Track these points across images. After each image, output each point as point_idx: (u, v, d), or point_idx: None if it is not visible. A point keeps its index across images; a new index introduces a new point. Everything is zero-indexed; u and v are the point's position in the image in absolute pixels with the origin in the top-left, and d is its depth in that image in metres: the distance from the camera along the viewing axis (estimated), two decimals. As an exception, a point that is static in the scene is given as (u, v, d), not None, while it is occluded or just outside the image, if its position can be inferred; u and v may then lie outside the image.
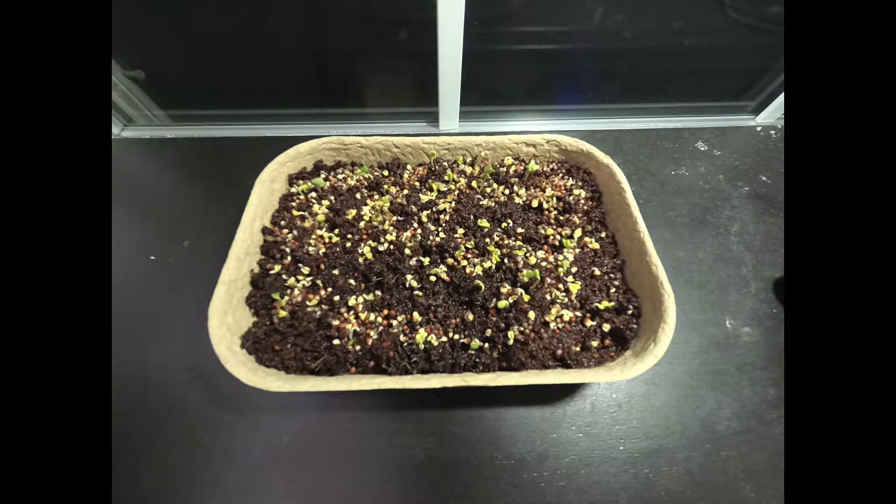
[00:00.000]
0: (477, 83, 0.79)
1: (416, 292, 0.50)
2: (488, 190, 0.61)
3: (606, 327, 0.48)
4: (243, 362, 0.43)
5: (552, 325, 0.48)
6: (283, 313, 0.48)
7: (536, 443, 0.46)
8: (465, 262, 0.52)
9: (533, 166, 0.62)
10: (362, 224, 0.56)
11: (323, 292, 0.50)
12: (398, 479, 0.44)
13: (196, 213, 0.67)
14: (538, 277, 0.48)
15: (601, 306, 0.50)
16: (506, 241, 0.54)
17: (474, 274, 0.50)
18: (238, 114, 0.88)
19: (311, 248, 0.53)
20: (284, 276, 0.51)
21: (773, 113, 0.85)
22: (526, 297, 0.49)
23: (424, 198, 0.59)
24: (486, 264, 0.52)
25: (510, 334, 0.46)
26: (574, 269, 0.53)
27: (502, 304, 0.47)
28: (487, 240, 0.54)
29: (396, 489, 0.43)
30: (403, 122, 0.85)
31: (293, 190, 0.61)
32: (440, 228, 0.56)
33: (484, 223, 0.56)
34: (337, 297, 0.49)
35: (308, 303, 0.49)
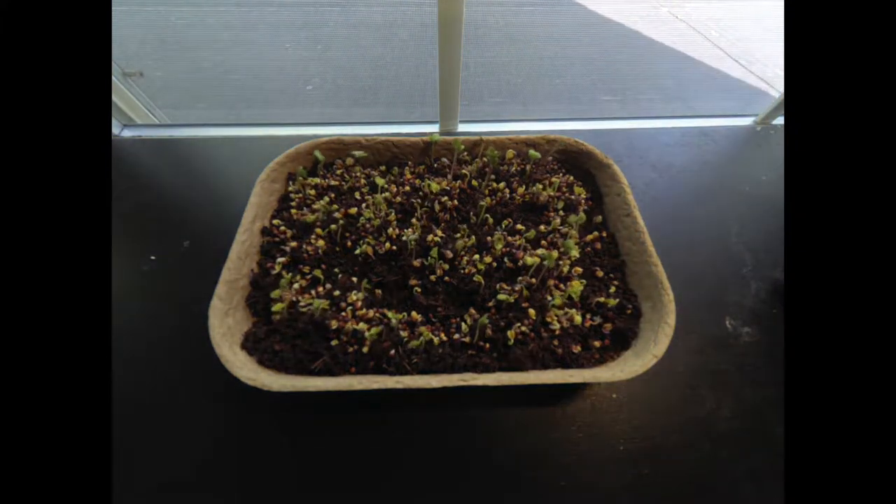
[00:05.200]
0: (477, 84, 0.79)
1: (416, 290, 0.50)
2: (488, 189, 0.61)
3: (607, 327, 0.48)
4: (244, 362, 0.43)
5: (552, 324, 0.48)
6: (282, 313, 0.48)
7: (536, 443, 0.46)
8: (465, 261, 0.52)
9: (534, 155, 0.61)
10: (362, 223, 0.56)
11: (323, 291, 0.50)
12: (397, 479, 0.44)
13: (196, 213, 0.66)
14: (551, 264, 0.48)
15: (601, 305, 0.50)
16: (506, 240, 0.54)
17: (474, 273, 0.50)
18: (238, 114, 0.89)
19: (310, 248, 0.53)
20: (284, 276, 0.51)
21: (773, 113, 0.85)
22: (525, 293, 0.49)
23: (424, 197, 0.59)
24: (487, 260, 0.52)
25: (510, 334, 0.46)
26: (574, 269, 0.53)
27: (502, 297, 0.48)
28: (488, 238, 0.54)
29: (395, 489, 0.43)
30: (403, 123, 0.85)
31: (292, 189, 0.61)
32: (440, 227, 0.56)
33: (484, 218, 0.56)
34: (337, 296, 0.49)
35: (307, 302, 0.49)
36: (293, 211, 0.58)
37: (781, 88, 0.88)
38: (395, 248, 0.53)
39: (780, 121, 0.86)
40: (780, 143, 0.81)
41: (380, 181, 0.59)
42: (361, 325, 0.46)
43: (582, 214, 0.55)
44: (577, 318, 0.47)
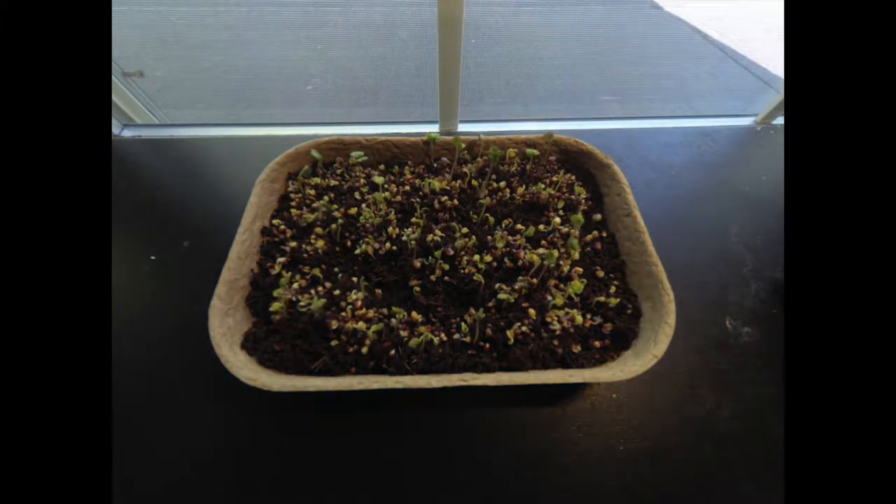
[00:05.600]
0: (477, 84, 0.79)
1: (416, 290, 0.50)
2: (488, 189, 0.61)
3: (607, 327, 0.48)
4: (244, 363, 0.43)
5: (552, 324, 0.48)
6: (282, 313, 0.48)
7: (536, 443, 0.46)
8: (465, 261, 0.52)
9: (532, 152, 0.61)
10: (362, 222, 0.56)
11: (322, 291, 0.50)
12: (397, 479, 0.44)
13: (196, 213, 0.66)
14: (552, 263, 0.48)
15: (602, 305, 0.50)
16: (506, 240, 0.54)
17: (474, 273, 0.50)
18: (238, 114, 0.88)
19: (310, 248, 0.53)
20: (284, 276, 0.51)
21: (774, 113, 0.85)
22: (525, 292, 0.49)
23: (424, 196, 0.59)
24: (487, 259, 0.52)
25: (510, 334, 0.46)
26: (575, 269, 0.53)
27: (503, 296, 0.48)
28: (489, 238, 0.54)
29: (395, 489, 0.43)
30: (403, 123, 0.86)
31: (292, 189, 0.61)
32: (440, 227, 0.56)
33: (485, 217, 0.56)
34: (337, 296, 0.49)
35: (308, 303, 0.49)
36: (293, 211, 0.58)
37: (781, 88, 0.88)
38: (395, 248, 0.53)
39: (780, 121, 0.86)
40: (780, 143, 0.81)
41: (379, 180, 0.59)
42: (361, 325, 0.46)
43: (579, 215, 0.55)
44: (579, 319, 0.47)
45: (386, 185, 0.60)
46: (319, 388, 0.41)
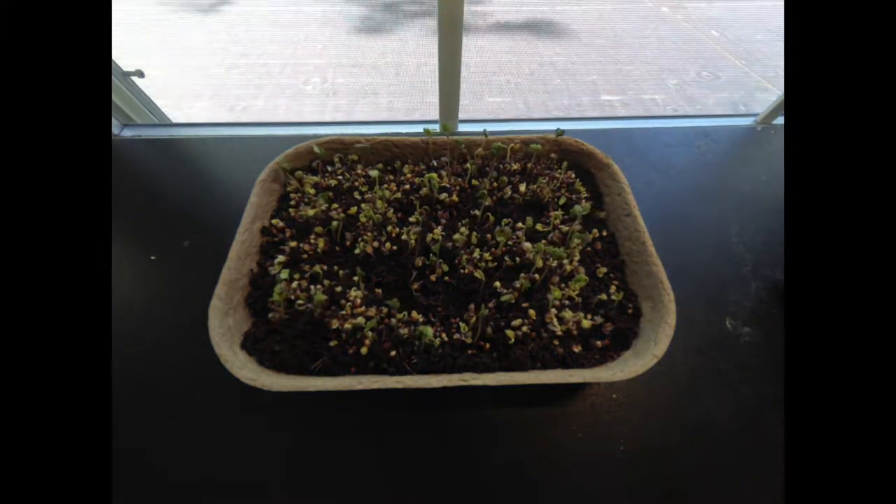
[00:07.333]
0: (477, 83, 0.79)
1: (416, 291, 0.50)
2: (488, 188, 0.61)
3: (607, 327, 0.48)
4: (243, 363, 0.43)
5: (552, 324, 0.48)
6: (282, 313, 0.48)
7: (536, 443, 0.46)
8: (465, 260, 0.52)
9: (535, 148, 0.61)
10: (362, 219, 0.56)
11: (322, 290, 0.50)
12: (397, 479, 0.44)
13: (196, 213, 0.66)
14: (554, 262, 0.48)
15: (602, 305, 0.50)
16: (506, 240, 0.54)
17: (474, 273, 0.50)
18: (238, 114, 0.88)
19: (310, 247, 0.53)
20: (284, 276, 0.51)
21: (774, 113, 0.85)
22: (526, 287, 0.49)
23: (424, 196, 0.59)
24: (487, 257, 0.52)
25: (510, 334, 0.46)
26: (575, 269, 0.53)
27: (505, 298, 0.48)
28: (489, 236, 0.54)
29: (396, 489, 0.43)
30: (403, 122, 0.86)
31: (291, 188, 0.61)
32: (440, 226, 0.56)
33: (486, 216, 0.56)
34: (338, 293, 0.49)
35: (308, 302, 0.49)
36: (291, 210, 0.58)
37: (781, 88, 0.88)
38: (395, 247, 0.53)
39: (780, 121, 0.86)
40: (780, 143, 0.81)
41: (374, 173, 0.59)
42: (360, 320, 0.46)
43: (586, 205, 0.54)
44: (586, 323, 0.47)
45: (385, 184, 0.60)
46: (319, 389, 0.41)
